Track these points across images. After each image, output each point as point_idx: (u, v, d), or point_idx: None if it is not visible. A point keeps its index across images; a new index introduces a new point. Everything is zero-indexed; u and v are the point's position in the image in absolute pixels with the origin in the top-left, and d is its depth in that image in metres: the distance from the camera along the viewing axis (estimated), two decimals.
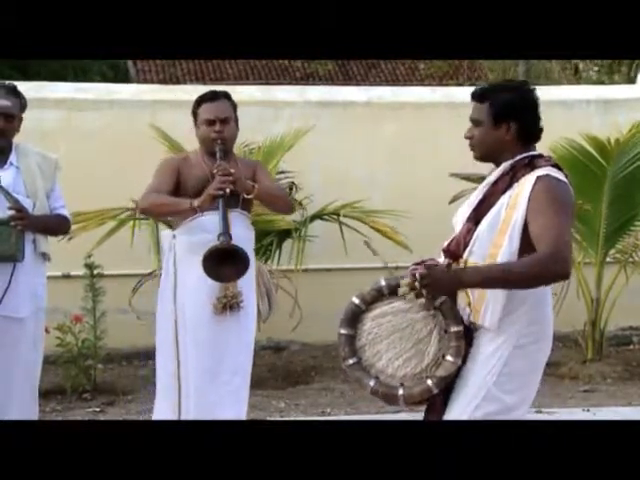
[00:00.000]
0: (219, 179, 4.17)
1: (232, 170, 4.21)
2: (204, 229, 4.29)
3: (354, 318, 3.12)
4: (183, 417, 4.33)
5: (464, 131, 3.21)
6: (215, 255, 3.98)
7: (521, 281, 2.95)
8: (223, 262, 4.00)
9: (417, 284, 3.01)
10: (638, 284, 7.45)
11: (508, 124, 3.11)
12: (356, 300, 3.12)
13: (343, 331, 3.12)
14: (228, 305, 4.31)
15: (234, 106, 4.50)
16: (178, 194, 4.38)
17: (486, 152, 3.18)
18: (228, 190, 4.16)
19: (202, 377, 4.33)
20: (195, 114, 4.47)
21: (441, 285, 3.01)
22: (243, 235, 4.38)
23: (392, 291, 3.10)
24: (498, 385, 3.02)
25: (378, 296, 3.11)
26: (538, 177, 3.02)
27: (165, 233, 4.68)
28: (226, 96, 4.48)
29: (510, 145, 3.13)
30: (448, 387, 3.09)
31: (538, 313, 3.06)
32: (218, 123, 4.37)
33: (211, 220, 4.22)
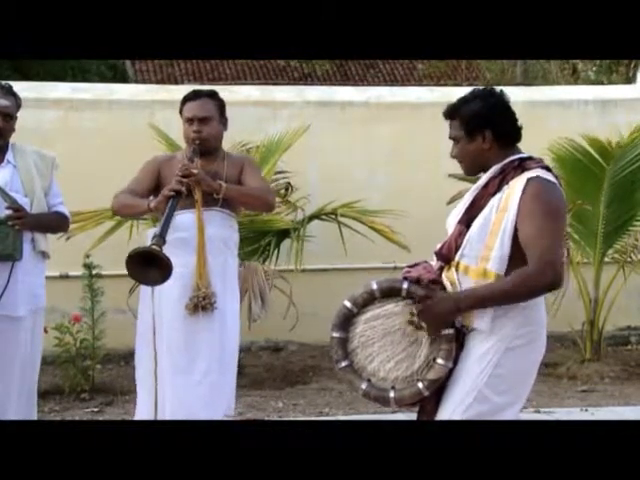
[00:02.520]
0: (174, 180, 4.20)
1: (194, 170, 4.22)
2: (178, 228, 4.31)
3: (346, 321, 3.12)
4: (159, 416, 4.32)
5: None
6: (138, 257, 3.93)
7: (516, 297, 3.00)
8: (150, 264, 3.94)
9: (416, 319, 3.04)
10: (636, 284, 7.47)
11: (482, 133, 3.12)
12: (348, 303, 3.12)
13: (335, 334, 3.13)
14: (200, 305, 4.30)
15: (220, 105, 4.50)
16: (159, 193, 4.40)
17: (472, 165, 3.21)
18: (196, 190, 4.19)
19: (176, 376, 4.33)
20: (181, 113, 4.51)
21: (440, 318, 3.04)
22: (218, 234, 4.40)
23: (384, 294, 3.11)
24: (489, 386, 3.02)
25: (370, 299, 3.11)
26: (528, 179, 3.03)
27: (149, 232, 4.69)
28: (209, 95, 4.49)
29: (492, 152, 3.14)
30: (440, 389, 3.09)
31: (531, 314, 3.07)
32: (196, 122, 4.40)
33: (184, 219, 4.29)
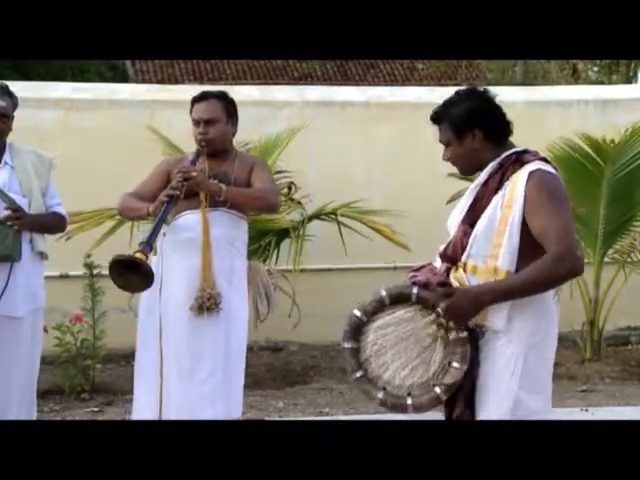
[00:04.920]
0: (170, 185, 4.23)
1: (193, 174, 4.23)
2: (185, 228, 4.35)
3: (357, 330, 3.08)
4: (164, 414, 4.33)
5: None
6: (120, 264, 3.95)
7: (538, 287, 2.97)
8: (132, 271, 3.96)
9: (442, 320, 3.01)
10: (636, 284, 7.46)
11: (472, 133, 3.12)
12: (357, 312, 3.08)
13: (347, 345, 3.09)
14: (205, 306, 4.30)
15: (229, 106, 4.48)
16: None
17: (466, 166, 3.21)
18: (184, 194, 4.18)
19: (181, 375, 4.34)
20: (190, 114, 4.50)
21: (465, 314, 2.99)
22: (224, 234, 4.40)
23: (393, 300, 3.07)
24: (523, 388, 3.01)
25: (379, 306, 3.07)
26: (530, 172, 3.02)
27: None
28: (218, 96, 4.47)
29: (484, 151, 3.13)
30: (470, 396, 3.06)
31: (544, 309, 3.07)
32: (202, 124, 4.40)
33: (191, 219, 4.33)
